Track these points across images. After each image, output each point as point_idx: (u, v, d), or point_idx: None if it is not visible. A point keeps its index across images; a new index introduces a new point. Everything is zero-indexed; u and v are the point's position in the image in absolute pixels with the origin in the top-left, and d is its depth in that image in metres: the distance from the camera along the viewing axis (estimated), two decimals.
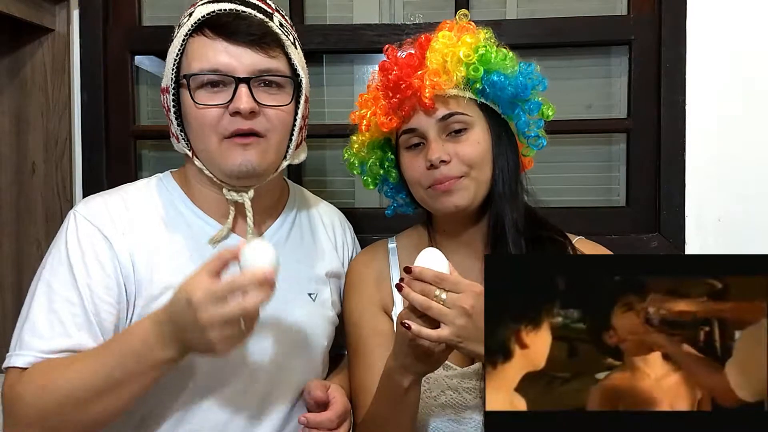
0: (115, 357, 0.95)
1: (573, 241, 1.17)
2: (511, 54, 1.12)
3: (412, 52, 1.12)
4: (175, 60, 1.06)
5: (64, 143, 1.66)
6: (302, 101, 1.11)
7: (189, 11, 1.09)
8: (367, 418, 1.11)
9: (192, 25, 1.05)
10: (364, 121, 1.15)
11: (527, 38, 1.70)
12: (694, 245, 1.64)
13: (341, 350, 1.30)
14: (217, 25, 1.04)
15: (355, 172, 1.23)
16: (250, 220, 1.10)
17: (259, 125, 1.06)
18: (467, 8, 1.72)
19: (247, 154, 1.06)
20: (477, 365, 1.10)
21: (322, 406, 1.08)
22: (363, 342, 1.15)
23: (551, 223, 1.18)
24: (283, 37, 1.08)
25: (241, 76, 1.04)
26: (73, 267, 1.03)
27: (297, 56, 1.10)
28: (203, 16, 1.04)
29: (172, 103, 1.07)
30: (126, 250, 1.05)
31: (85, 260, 1.03)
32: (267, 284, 0.88)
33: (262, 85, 1.07)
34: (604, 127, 1.82)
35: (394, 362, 0.98)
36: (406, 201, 1.24)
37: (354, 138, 1.20)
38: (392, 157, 1.18)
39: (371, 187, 1.22)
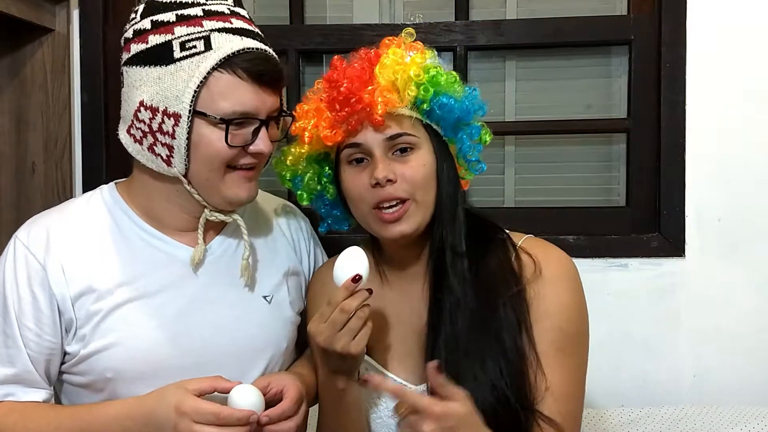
0: None
1: (520, 241, 1.14)
2: (457, 76, 1.11)
3: (363, 61, 1.10)
4: (195, 91, 1.01)
5: (64, 143, 1.66)
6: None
7: (197, 32, 1.03)
8: (321, 423, 1.15)
9: (220, 60, 1.01)
10: (306, 133, 1.10)
11: (527, 38, 1.70)
12: (694, 245, 1.64)
13: None
14: (249, 68, 1.03)
15: (287, 185, 1.20)
16: (245, 236, 1.12)
17: (263, 158, 1.10)
18: (467, 8, 1.74)
19: (251, 186, 1.10)
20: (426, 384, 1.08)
21: (276, 400, 1.07)
22: None
23: (491, 222, 1.17)
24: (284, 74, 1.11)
25: (263, 118, 1.06)
26: (8, 298, 1.06)
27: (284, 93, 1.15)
28: (233, 53, 1.02)
29: (186, 132, 1.02)
30: (63, 281, 1.06)
31: (19, 291, 1.06)
32: (246, 426, 0.97)
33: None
34: (604, 127, 1.82)
35: (323, 369, 1.04)
36: (340, 218, 1.21)
37: (288, 150, 1.16)
38: (330, 172, 1.15)
39: (306, 202, 1.19)
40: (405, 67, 1.06)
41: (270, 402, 1.04)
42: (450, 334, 1.06)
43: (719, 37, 1.62)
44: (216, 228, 1.16)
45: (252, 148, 1.06)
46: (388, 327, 1.14)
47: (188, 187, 1.07)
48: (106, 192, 1.15)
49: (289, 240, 1.25)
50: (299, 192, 1.18)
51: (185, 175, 1.06)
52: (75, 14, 1.67)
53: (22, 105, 1.65)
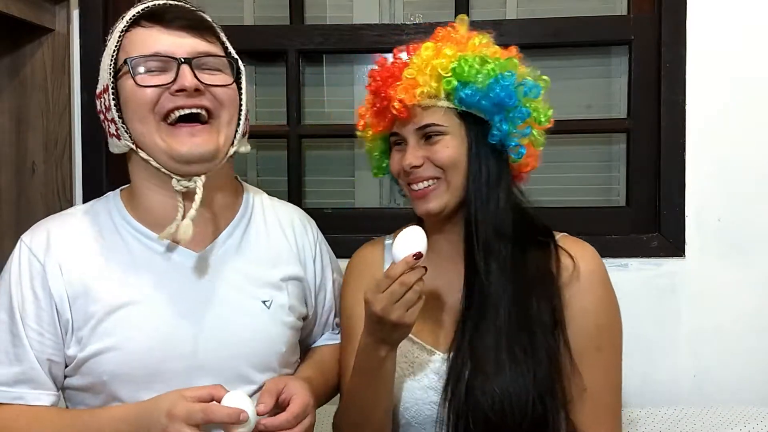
0: None
1: (557, 237, 1.21)
2: (492, 64, 1.14)
3: (399, 60, 1.19)
4: (112, 57, 1.08)
5: (64, 143, 1.66)
6: (244, 86, 1.16)
7: (122, 16, 1.12)
8: (346, 397, 1.17)
9: (127, 22, 1.09)
10: (362, 121, 1.24)
11: (527, 38, 1.70)
12: (694, 245, 1.64)
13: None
14: (151, 15, 1.09)
15: (368, 157, 1.32)
16: (198, 198, 1.08)
17: (207, 101, 1.08)
18: (467, 8, 1.74)
19: (195, 141, 1.07)
20: None
21: (281, 407, 1.07)
22: (354, 331, 1.20)
23: (540, 223, 1.22)
24: (216, 26, 1.14)
25: (183, 57, 1.07)
26: (13, 298, 1.09)
27: (231, 47, 1.16)
28: (137, 12, 1.09)
29: (113, 101, 1.08)
30: (61, 281, 1.08)
31: (23, 291, 1.09)
32: (239, 425, 0.98)
33: (204, 67, 1.09)
34: (604, 127, 1.82)
35: (369, 337, 1.06)
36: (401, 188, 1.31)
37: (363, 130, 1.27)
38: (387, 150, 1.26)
39: (379, 174, 1.30)
40: (430, 61, 1.14)
41: (277, 406, 1.05)
42: (480, 318, 1.12)
43: (719, 37, 1.62)
44: (226, 219, 1.17)
45: (174, 86, 1.06)
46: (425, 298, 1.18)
47: (142, 155, 1.08)
48: (110, 198, 1.18)
49: (293, 246, 1.23)
50: (371, 165, 1.30)
51: (136, 145, 1.09)
52: (75, 14, 1.67)
53: (22, 105, 1.66)
